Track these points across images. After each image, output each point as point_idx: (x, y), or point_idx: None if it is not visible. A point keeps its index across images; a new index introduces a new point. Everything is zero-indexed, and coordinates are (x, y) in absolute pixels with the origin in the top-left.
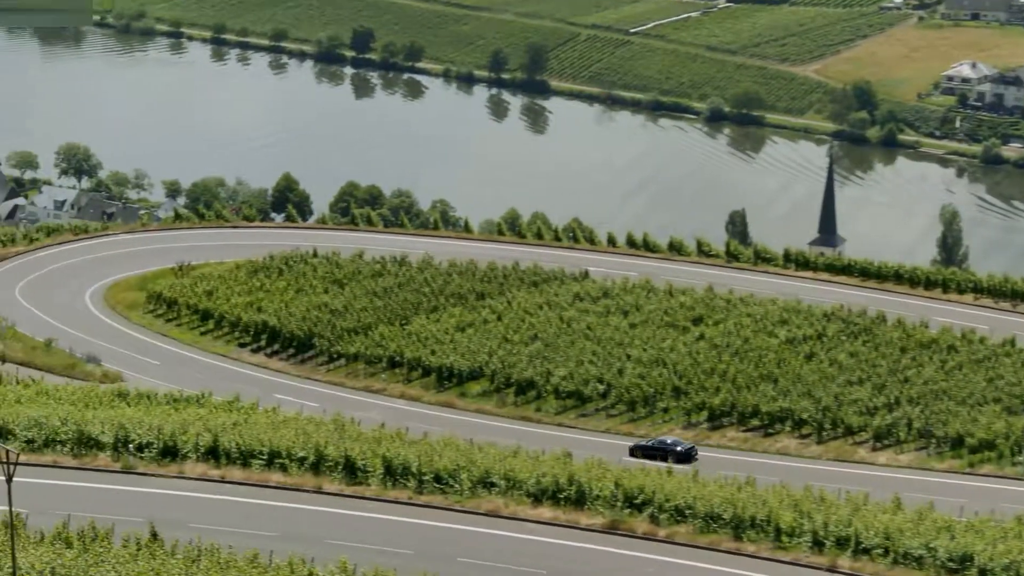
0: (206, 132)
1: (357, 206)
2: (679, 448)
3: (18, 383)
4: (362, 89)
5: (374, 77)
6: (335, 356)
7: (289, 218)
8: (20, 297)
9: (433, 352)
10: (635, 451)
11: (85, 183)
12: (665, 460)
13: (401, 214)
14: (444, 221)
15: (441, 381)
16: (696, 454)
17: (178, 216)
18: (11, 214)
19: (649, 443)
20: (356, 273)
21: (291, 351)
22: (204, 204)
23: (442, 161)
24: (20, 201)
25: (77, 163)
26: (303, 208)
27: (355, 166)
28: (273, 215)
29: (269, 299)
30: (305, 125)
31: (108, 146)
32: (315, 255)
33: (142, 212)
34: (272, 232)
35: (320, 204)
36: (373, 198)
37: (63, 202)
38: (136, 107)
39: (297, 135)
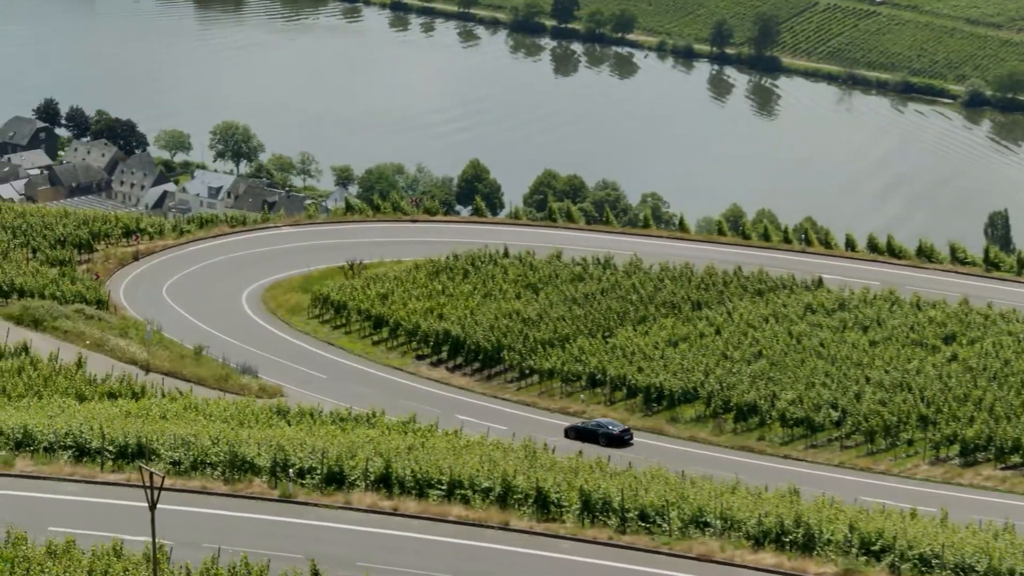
0: (383, 111)
1: (555, 199)
2: (613, 430)
3: (164, 396)
4: (563, 63)
5: (578, 50)
6: (527, 372)
7: (477, 212)
8: (168, 298)
9: (640, 370)
10: (569, 432)
11: (244, 168)
12: (597, 442)
13: (606, 209)
14: (656, 218)
15: (649, 403)
16: (631, 438)
17: (349, 207)
18: (159, 202)
19: (583, 424)
20: (553, 276)
21: (476, 365)
22: (379, 194)
23: (654, 149)
24: (170, 187)
25: (235, 145)
26: (493, 200)
27: (554, 153)
28: (459, 208)
29: (452, 305)
30: (497, 105)
31: (270, 126)
32: (506, 255)
33: (308, 202)
34: (457, 228)
35: (513, 196)
36: (574, 190)
37: (218, 189)
38: (303, 81)
39: (487, 116)
